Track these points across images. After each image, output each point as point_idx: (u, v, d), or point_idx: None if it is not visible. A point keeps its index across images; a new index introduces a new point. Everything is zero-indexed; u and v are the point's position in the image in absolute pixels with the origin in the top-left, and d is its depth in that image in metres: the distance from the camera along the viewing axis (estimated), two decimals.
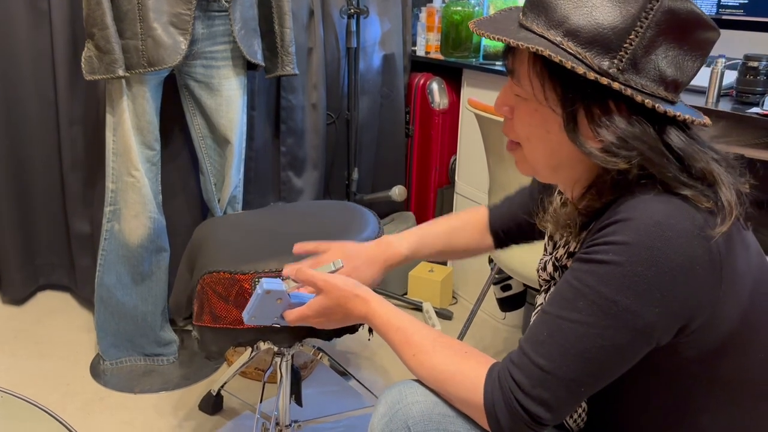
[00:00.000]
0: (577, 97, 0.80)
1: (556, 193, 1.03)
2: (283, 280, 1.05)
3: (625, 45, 0.78)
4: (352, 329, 1.39)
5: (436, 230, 1.25)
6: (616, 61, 0.78)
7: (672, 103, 0.82)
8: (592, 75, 0.77)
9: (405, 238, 1.22)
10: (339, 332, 1.37)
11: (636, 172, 0.80)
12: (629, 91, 0.78)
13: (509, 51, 0.87)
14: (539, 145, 0.87)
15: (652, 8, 0.77)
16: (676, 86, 0.82)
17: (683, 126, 0.82)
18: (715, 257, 0.78)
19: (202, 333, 1.40)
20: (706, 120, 0.84)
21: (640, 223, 0.77)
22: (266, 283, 1.00)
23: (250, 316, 1.03)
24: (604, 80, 0.77)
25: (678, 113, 0.79)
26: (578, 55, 0.79)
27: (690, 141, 0.81)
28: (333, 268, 1.07)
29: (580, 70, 0.77)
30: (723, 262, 0.79)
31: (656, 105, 0.78)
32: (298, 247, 1.20)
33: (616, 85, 0.77)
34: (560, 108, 0.82)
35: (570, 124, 0.81)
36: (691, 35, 0.80)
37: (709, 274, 0.78)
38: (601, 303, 0.78)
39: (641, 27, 0.77)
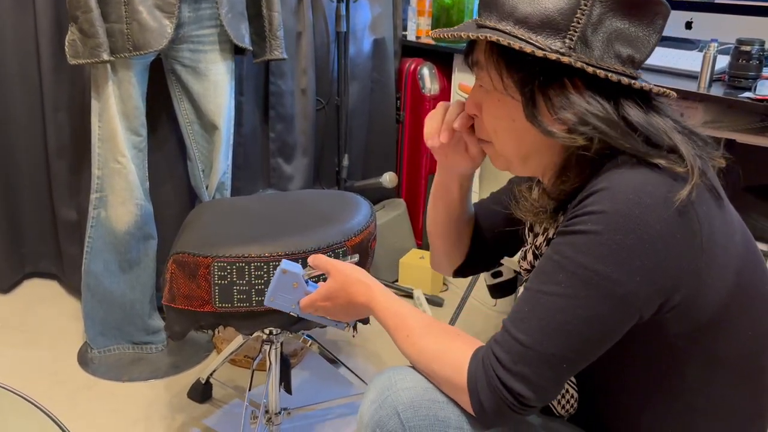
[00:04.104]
0: (533, 79, 0.83)
1: (534, 183, 1.03)
2: (303, 267, 1.08)
3: (573, 24, 0.81)
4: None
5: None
6: (567, 40, 0.81)
7: (633, 78, 0.84)
8: (540, 53, 0.80)
9: None
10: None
11: (597, 147, 0.81)
12: (579, 64, 0.80)
13: (469, 48, 0.91)
14: (507, 137, 0.89)
15: None
16: (633, 62, 0.85)
17: (643, 98, 0.84)
18: (695, 225, 0.79)
19: (168, 312, 1.42)
20: (672, 93, 0.86)
21: (617, 192, 0.77)
22: (285, 264, 1.04)
23: (270, 296, 1.06)
24: (553, 56, 0.80)
25: (634, 82, 0.81)
26: (529, 40, 0.82)
27: (649, 113, 0.84)
28: (349, 259, 1.14)
29: (528, 49, 0.80)
30: (703, 232, 0.79)
31: (609, 75, 0.81)
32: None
33: (565, 60, 0.80)
34: (519, 93, 0.85)
35: (529, 107, 0.84)
36: (638, 11, 0.83)
37: (689, 242, 0.78)
38: (581, 273, 0.78)
39: (586, 5, 0.81)
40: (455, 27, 0.93)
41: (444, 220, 1.14)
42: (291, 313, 1.09)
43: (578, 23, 0.81)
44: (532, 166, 0.91)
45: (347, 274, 1.01)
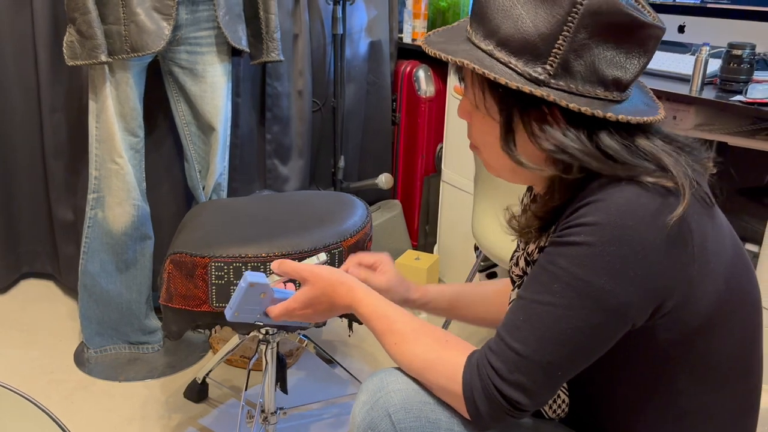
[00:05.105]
0: (512, 105, 0.83)
1: (525, 191, 1.04)
2: (267, 275, 1.03)
3: (554, 50, 0.79)
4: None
5: (456, 284, 1.22)
6: (547, 66, 0.80)
7: (617, 101, 0.83)
8: (514, 84, 0.79)
9: (423, 285, 1.20)
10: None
11: (577, 172, 0.82)
12: (552, 98, 0.79)
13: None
14: (493, 151, 0.89)
15: (577, 12, 0.78)
16: (618, 85, 0.83)
17: (623, 124, 0.82)
18: (687, 235, 0.79)
19: (165, 312, 1.42)
20: (646, 118, 0.83)
21: (611, 204, 0.78)
22: (251, 276, 0.98)
23: (233, 311, 1.00)
24: (527, 88, 0.79)
25: (609, 114, 0.79)
26: (509, 64, 0.81)
27: (634, 136, 0.82)
28: (317, 261, 1.06)
29: (502, 80, 0.79)
30: (695, 240, 0.80)
31: (582, 108, 0.79)
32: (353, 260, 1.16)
33: (538, 93, 0.79)
34: (498, 116, 0.84)
35: (506, 133, 0.84)
36: (628, 35, 0.80)
37: (681, 251, 0.79)
38: (576, 284, 0.79)
39: (568, 31, 0.78)
40: (452, 27, 0.92)
41: (458, 316, 1.19)
42: (256, 323, 1.03)
43: (559, 50, 0.79)
44: (521, 178, 0.92)
45: (326, 278, 0.99)
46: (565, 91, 0.81)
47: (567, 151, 0.80)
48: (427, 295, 1.17)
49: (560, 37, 0.79)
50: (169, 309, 1.40)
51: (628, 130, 0.83)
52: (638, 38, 0.81)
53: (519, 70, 0.81)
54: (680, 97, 1.58)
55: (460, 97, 1.85)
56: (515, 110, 0.83)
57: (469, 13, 0.90)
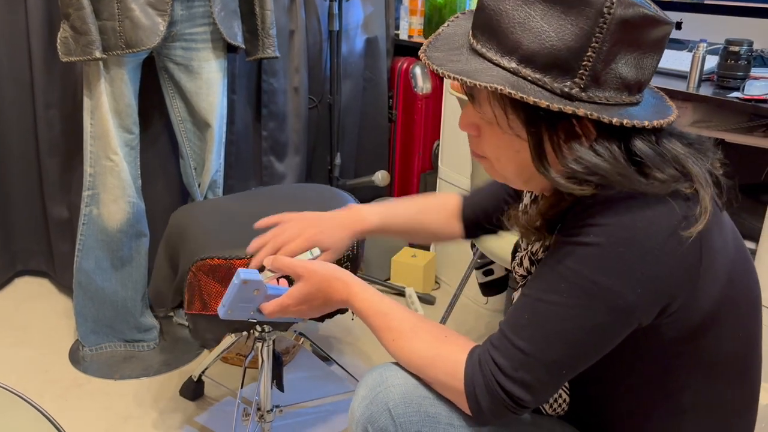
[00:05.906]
0: (541, 122, 0.79)
1: (524, 193, 1.03)
2: (259, 271, 1.02)
3: (583, 63, 0.76)
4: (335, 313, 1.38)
5: (406, 205, 1.22)
6: (577, 80, 0.77)
7: (636, 103, 0.82)
8: (555, 106, 0.75)
9: (375, 209, 1.19)
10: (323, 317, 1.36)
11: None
12: (595, 115, 0.76)
13: None
14: (509, 164, 0.86)
15: (605, 22, 0.75)
16: (639, 87, 0.81)
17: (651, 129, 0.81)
18: (696, 237, 0.78)
19: (196, 321, 1.36)
20: (671, 118, 0.82)
21: (621, 205, 0.77)
22: (243, 273, 0.96)
23: (226, 309, 0.99)
24: (569, 109, 0.76)
25: (646, 122, 0.78)
26: (538, 82, 0.77)
27: (659, 142, 0.81)
28: (311, 256, 1.05)
29: (543, 103, 0.75)
30: (702, 241, 0.79)
31: (624, 121, 0.77)
32: (261, 222, 1.16)
33: (581, 112, 0.76)
34: (525, 134, 0.81)
35: (538, 154, 0.81)
36: (647, 36, 0.78)
37: (689, 251, 0.78)
38: (582, 284, 0.78)
39: (597, 42, 0.75)
40: (444, 35, 0.88)
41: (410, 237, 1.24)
42: (249, 320, 1.02)
43: (589, 61, 0.76)
44: (533, 186, 0.89)
45: (321, 274, 0.98)
46: (596, 103, 0.78)
47: (598, 173, 0.78)
48: (374, 232, 1.20)
49: (589, 49, 0.75)
50: (202, 318, 1.35)
51: (655, 132, 0.81)
52: (656, 38, 0.79)
53: (549, 87, 0.77)
54: (677, 93, 1.58)
55: (458, 94, 1.84)
56: (543, 127, 0.79)
57: (472, 25, 0.84)
